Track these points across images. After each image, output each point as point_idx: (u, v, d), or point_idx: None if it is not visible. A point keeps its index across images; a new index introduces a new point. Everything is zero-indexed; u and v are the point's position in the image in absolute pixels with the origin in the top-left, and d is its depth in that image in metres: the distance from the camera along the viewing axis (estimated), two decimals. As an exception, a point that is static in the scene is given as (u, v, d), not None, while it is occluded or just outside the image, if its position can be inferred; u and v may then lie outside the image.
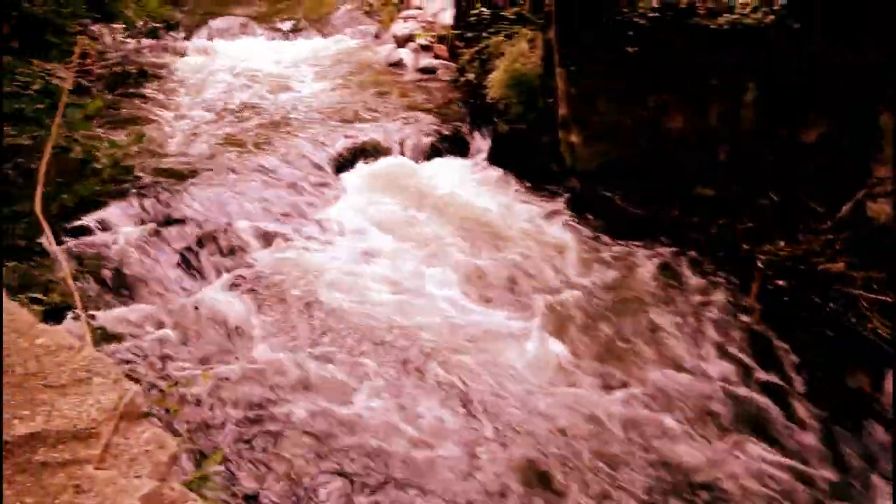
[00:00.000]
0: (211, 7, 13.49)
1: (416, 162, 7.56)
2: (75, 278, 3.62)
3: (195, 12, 13.19)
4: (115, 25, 10.01)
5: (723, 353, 4.69)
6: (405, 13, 11.47)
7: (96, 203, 5.82)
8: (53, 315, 3.11)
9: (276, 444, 3.73)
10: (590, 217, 6.35)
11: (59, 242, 4.96)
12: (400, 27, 10.93)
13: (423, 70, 9.92)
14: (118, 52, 10.40)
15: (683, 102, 6.09)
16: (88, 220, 5.63)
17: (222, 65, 10.64)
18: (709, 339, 4.81)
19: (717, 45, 5.75)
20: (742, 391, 4.36)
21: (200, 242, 5.64)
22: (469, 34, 8.79)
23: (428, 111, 8.42)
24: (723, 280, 5.38)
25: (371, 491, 3.53)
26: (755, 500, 3.64)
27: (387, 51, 10.82)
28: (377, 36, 11.98)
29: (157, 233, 5.63)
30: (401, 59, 10.31)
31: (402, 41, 10.66)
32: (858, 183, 5.02)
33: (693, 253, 5.70)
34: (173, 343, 4.48)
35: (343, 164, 7.36)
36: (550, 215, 6.42)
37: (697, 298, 5.23)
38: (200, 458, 3.41)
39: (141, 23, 9.73)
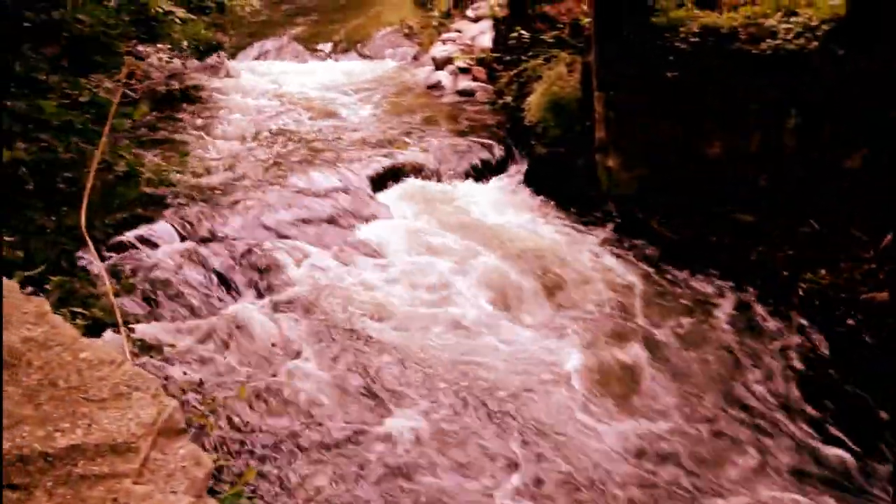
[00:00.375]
0: (254, 29, 13.72)
1: (453, 183, 7.58)
2: (116, 293, 3.68)
3: (239, 34, 13.42)
4: (160, 45, 10.21)
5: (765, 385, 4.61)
6: (445, 36, 11.55)
7: (138, 219, 5.92)
8: (95, 329, 3.16)
9: (309, 463, 3.74)
10: (626, 241, 6.31)
11: (102, 257, 5.05)
12: (439, 50, 11.01)
13: (462, 92, 9.97)
14: (163, 72, 10.61)
15: (723, 128, 6.04)
16: (130, 235, 5.73)
17: (264, 85, 10.79)
18: (754, 370, 4.73)
19: (758, 70, 5.70)
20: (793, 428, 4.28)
21: (238, 260, 5.70)
22: (508, 57, 8.83)
23: (465, 133, 8.45)
24: (761, 308, 5.29)
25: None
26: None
27: (425, 73, 10.90)
28: (416, 58, 12.07)
29: (196, 250, 5.71)
30: (439, 82, 10.37)
31: (441, 64, 10.72)
32: (903, 211, 4.93)
33: (731, 280, 5.62)
34: (210, 359, 4.53)
35: (380, 184, 7.41)
36: (586, 238, 6.39)
37: (734, 328, 5.14)
38: (234, 474, 3.43)
39: (185, 43, 9.92)
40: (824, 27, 5.46)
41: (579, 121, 7.00)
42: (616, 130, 6.53)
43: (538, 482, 3.76)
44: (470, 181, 7.65)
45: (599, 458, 3.94)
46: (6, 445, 1.49)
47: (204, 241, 5.92)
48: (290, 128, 8.82)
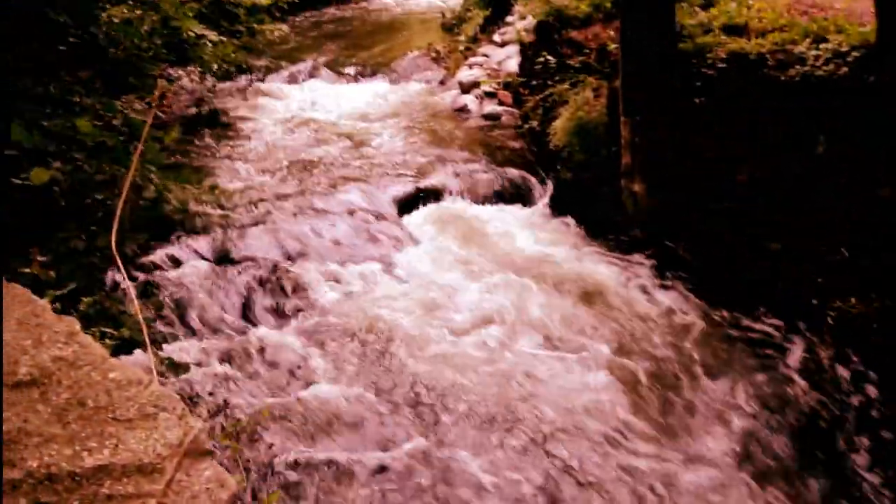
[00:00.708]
0: (284, 52, 13.89)
1: (479, 207, 7.59)
2: (143, 314, 3.72)
3: (268, 57, 13.60)
4: (190, 68, 10.38)
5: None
6: (471, 60, 11.61)
7: (166, 239, 5.99)
8: (123, 349, 3.20)
9: (332, 488, 3.73)
10: (652, 267, 6.26)
11: (130, 277, 5.11)
12: (465, 74, 11.07)
13: (488, 116, 10.01)
14: (193, 94, 10.78)
15: (751, 154, 6.00)
16: (158, 255, 5.80)
17: (292, 108, 10.91)
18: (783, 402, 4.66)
19: (786, 96, 5.67)
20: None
21: (263, 281, 5.74)
22: (534, 82, 8.85)
23: (491, 157, 8.47)
24: (790, 336, 5.22)
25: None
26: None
27: (452, 97, 10.96)
28: (443, 82, 12.14)
29: (222, 270, 5.76)
30: (465, 105, 10.42)
31: (467, 87, 10.78)
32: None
33: (759, 307, 5.56)
34: (236, 379, 4.55)
35: (406, 207, 7.45)
36: (611, 264, 6.35)
37: (761, 358, 5.08)
38: (258, 497, 3.43)
39: (215, 66, 10.07)
40: (854, 54, 5.43)
41: (605, 146, 6.99)
42: (642, 156, 6.51)
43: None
44: (495, 205, 7.66)
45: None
46: (34, 464, 1.50)
47: (230, 261, 5.97)
48: (316, 150, 8.89)
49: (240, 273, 5.77)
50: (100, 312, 3.49)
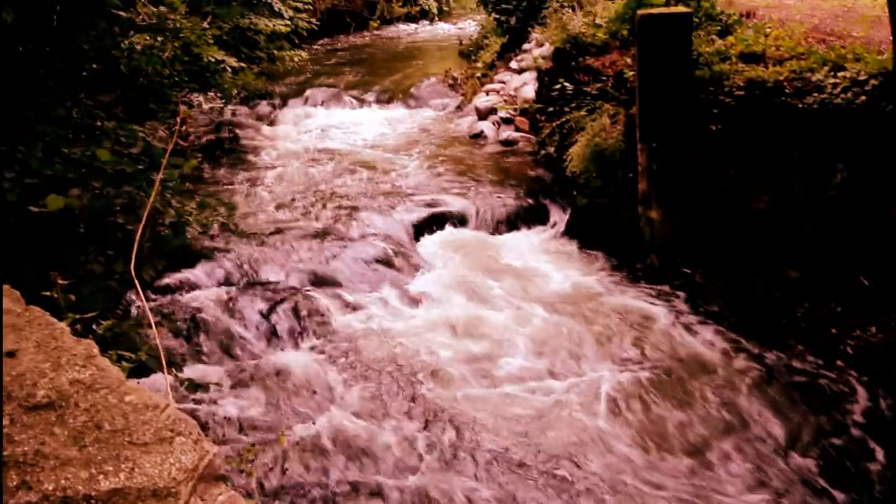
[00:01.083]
0: (303, 78, 14.05)
1: (495, 232, 7.60)
2: (161, 337, 3.74)
3: (288, 83, 13.75)
4: (211, 94, 10.50)
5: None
6: (488, 87, 11.68)
7: (184, 263, 6.03)
8: (140, 372, 3.21)
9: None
10: (669, 294, 6.22)
11: (148, 300, 5.14)
12: (482, 100, 11.12)
13: (504, 142, 10.04)
14: (213, 119, 10.90)
15: (768, 181, 5.99)
16: (176, 279, 5.84)
17: (310, 133, 11.01)
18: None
19: (804, 124, 5.66)
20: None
21: (280, 305, 5.76)
22: (551, 108, 8.87)
23: (507, 183, 8.49)
24: (809, 366, 5.16)
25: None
26: None
27: (468, 123, 11.01)
28: (459, 108, 12.21)
29: (239, 294, 5.78)
30: (482, 131, 10.46)
31: (483, 113, 10.83)
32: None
33: (778, 335, 5.50)
34: (252, 404, 4.55)
35: (423, 232, 7.47)
36: (628, 290, 6.32)
37: (779, 388, 5.01)
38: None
39: (235, 92, 10.18)
40: (873, 82, 5.42)
41: (622, 172, 6.99)
42: (659, 182, 6.51)
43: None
44: (511, 231, 7.66)
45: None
46: (50, 486, 1.51)
47: (247, 285, 6.00)
48: (333, 175, 8.95)
49: (256, 297, 5.79)
50: (117, 336, 3.51)
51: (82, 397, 1.74)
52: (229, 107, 11.56)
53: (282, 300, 5.80)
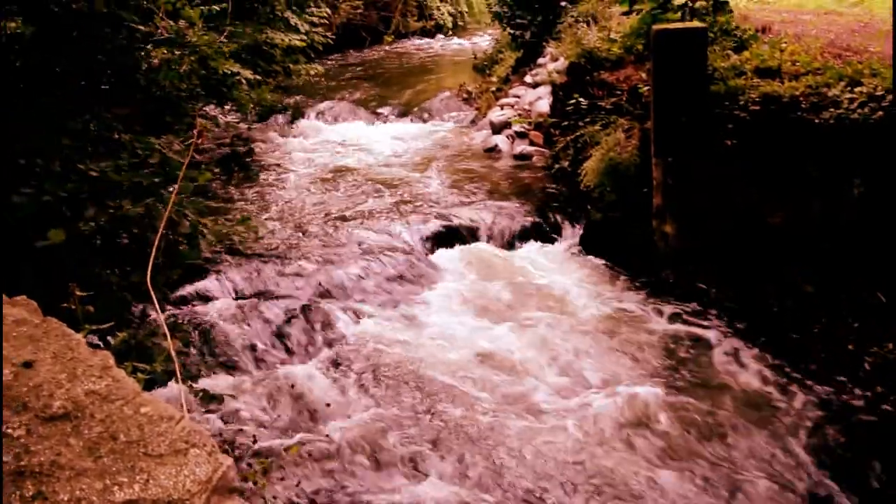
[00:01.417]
0: (318, 92, 14.14)
1: (508, 246, 7.60)
2: (175, 348, 3.75)
3: (304, 96, 13.85)
4: (227, 107, 10.58)
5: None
6: (503, 101, 11.70)
7: (198, 275, 6.06)
8: (155, 383, 3.22)
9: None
10: (683, 308, 6.19)
11: (162, 311, 5.16)
12: (497, 114, 11.15)
13: (518, 156, 10.05)
14: (229, 132, 10.98)
15: (784, 196, 5.96)
16: (190, 290, 5.87)
17: (325, 146, 11.07)
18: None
19: (820, 139, 5.63)
20: None
21: (294, 317, 5.77)
22: (565, 123, 8.88)
23: (521, 196, 8.49)
24: (828, 383, 5.11)
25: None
26: None
27: (482, 137, 11.03)
28: (474, 122, 12.25)
29: (253, 306, 5.80)
30: (496, 145, 10.48)
31: (498, 128, 10.85)
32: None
33: (794, 351, 5.45)
34: (265, 416, 4.56)
35: (437, 245, 7.47)
36: (642, 305, 6.29)
37: (798, 404, 4.97)
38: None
39: (252, 106, 10.24)
40: (889, 97, 5.39)
41: (636, 186, 6.98)
42: (674, 197, 6.49)
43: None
44: (525, 244, 7.66)
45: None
46: (65, 497, 1.51)
47: (261, 297, 6.01)
48: (348, 188, 8.99)
49: (270, 309, 5.81)
50: (133, 346, 3.52)
51: (98, 408, 1.74)
52: (246, 121, 11.66)
53: (295, 312, 5.81)
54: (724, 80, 6.40)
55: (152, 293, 2.65)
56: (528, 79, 11.82)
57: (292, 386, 4.91)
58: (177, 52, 5.95)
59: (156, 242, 2.85)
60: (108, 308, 3.48)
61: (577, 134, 8.34)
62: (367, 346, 5.51)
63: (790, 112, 5.85)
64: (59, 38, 5.06)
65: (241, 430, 4.36)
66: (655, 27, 6.46)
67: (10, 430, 1.63)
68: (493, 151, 10.43)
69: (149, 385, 3.14)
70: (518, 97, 11.50)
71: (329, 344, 5.55)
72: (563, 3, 11.22)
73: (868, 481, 4.26)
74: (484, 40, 18.59)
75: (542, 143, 10.11)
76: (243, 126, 11.76)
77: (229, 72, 7.34)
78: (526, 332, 5.79)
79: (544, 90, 10.77)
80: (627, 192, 7.14)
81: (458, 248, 7.49)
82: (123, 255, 4.60)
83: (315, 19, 12.00)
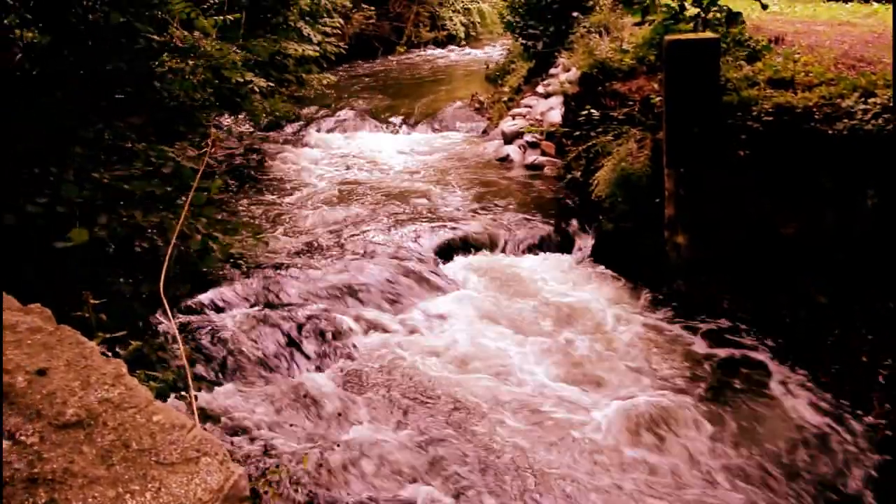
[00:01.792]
0: (331, 102, 14.20)
1: (520, 256, 7.59)
2: (187, 357, 3.76)
3: (316, 106, 13.91)
4: (240, 116, 10.65)
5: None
6: (515, 111, 11.72)
7: (209, 284, 6.08)
8: (166, 392, 3.23)
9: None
10: (695, 319, 6.16)
11: (175, 319, 5.18)
12: (508, 124, 11.16)
13: (530, 166, 10.06)
14: (241, 141, 11.04)
15: (797, 206, 5.93)
16: (201, 299, 5.89)
17: (336, 155, 11.10)
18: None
19: (834, 150, 5.61)
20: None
21: (305, 326, 5.78)
22: (577, 133, 8.88)
23: (533, 207, 8.50)
24: (842, 397, 5.07)
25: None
26: None
27: (494, 146, 11.05)
28: (486, 132, 12.27)
29: (264, 315, 5.81)
30: (508, 155, 10.49)
31: (509, 137, 10.86)
32: None
33: (807, 362, 5.41)
34: (275, 424, 4.56)
35: (447, 255, 7.47)
36: (653, 315, 6.27)
37: (812, 419, 4.92)
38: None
39: (264, 115, 10.31)
40: (904, 108, 5.36)
41: (648, 197, 6.96)
42: (686, 207, 6.47)
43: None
44: (536, 254, 7.65)
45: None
46: (78, 505, 1.51)
47: (272, 307, 6.03)
48: (359, 198, 9.01)
49: (281, 318, 5.82)
50: (145, 355, 3.54)
51: (111, 416, 1.75)
52: (258, 130, 11.72)
53: (307, 321, 5.82)
54: (736, 90, 6.39)
55: (165, 302, 2.67)
56: (540, 89, 11.84)
57: (304, 395, 4.91)
58: (191, 62, 6.01)
59: (168, 253, 2.86)
60: (120, 316, 3.50)
61: (589, 144, 8.34)
62: (378, 356, 5.51)
63: (803, 123, 5.83)
64: (76, 47, 5.11)
65: (253, 438, 4.36)
66: (668, 38, 6.45)
67: (23, 438, 1.64)
68: (504, 161, 10.44)
69: (162, 394, 3.16)
70: (530, 107, 11.51)
71: (340, 354, 5.55)
72: (575, 14, 11.23)
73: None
74: (496, 51, 18.64)
75: (553, 154, 10.11)
76: (256, 135, 11.82)
77: (242, 80, 7.39)
78: (538, 343, 5.77)
79: (556, 100, 10.78)
80: (639, 202, 7.12)
81: (469, 257, 7.49)
82: (136, 265, 4.63)
83: (328, 29, 12.07)
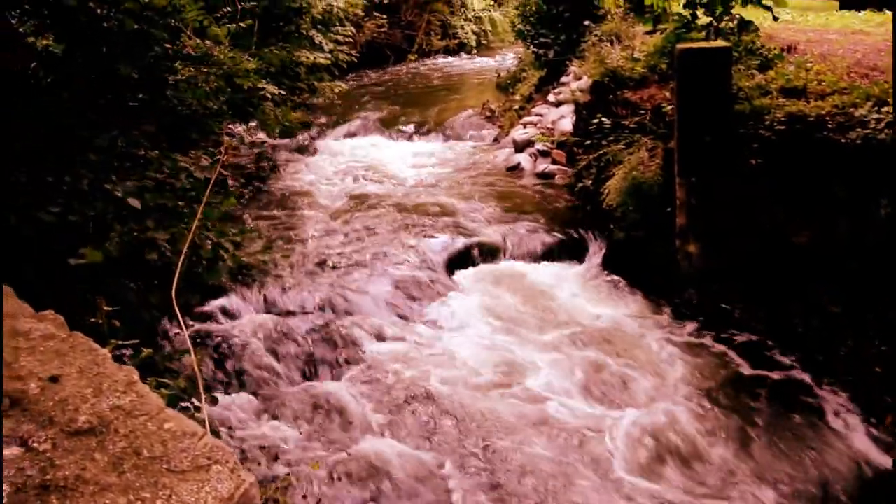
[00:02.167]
0: (342, 110, 14.24)
1: (530, 264, 7.57)
2: (199, 364, 3.77)
3: (327, 114, 13.95)
4: (251, 124, 10.69)
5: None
6: (525, 119, 11.71)
7: (220, 292, 6.10)
8: (178, 399, 3.24)
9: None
10: (706, 329, 6.13)
11: (185, 328, 5.20)
12: (519, 133, 11.15)
13: (541, 175, 10.04)
14: (253, 150, 11.07)
15: (809, 216, 5.91)
16: (213, 307, 5.90)
17: (348, 164, 11.12)
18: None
19: (846, 159, 5.59)
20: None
21: (316, 335, 5.79)
22: (588, 141, 8.87)
23: (543, 215, 8.48)
24: (855, 408, 5.02)
25: None
26: None
27: (505, 155, 11.04)
28: (496, 140, 12.26)
29: (275, 323, 5.83)
30: (519, 164, 10.48)
31: (520, 146, 10.85)
32: None
33: (821, 375, 5.37)
34: (286, 432, 4.56)
35: (458, 264, 7.46)
36: (664, 325, 6.25)
37: (823, 428, 4.88)
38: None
39: (276, 126, 10.34)
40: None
41: (659, 206, 6.94)
42: (698, 216, 6.45)
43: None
44: (547, 263, 7.63)
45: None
46: (89, 512, 1.52)
47: (283, 314, 6.04)
48: (370, 206, 9.01)
49: (293, 325, 5.83)
50: (157, 362, 3.55)
51: (122, 423, 1.76)
52: (270, 139, 11.75)
53: (317, 330, 5.83)
54: (748, 99, 6.38)
55: (177, 310, 2.67)
56: (551, 97, 11.83)
57: (315, 404, 4.92)
58: (203, 70, 6.04)
59: (180, 262, 2.87)
60: (132, 324, 3.51)
61: (600, 153, 8.33)
62: (389, 365, 5.51)
63: (816, 132, 5.81)
64: (90, 54, 5.15)
65: (264, 446, 4.37)
66: (679, 46, 6.45)
67: (36, 445, 1.65)
68: (515, 170, 10.43)
69: (173, 402, 3.16)
70: (541, 116, 11.50)
71: (350, 361, 5.55)
72: (586, 23, 11.23)
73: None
74: (507, 59, 18.65)
75: (564, 162, 10.09)
76: (267, 143, 11.85)
77: (254, 86, 7.42)
78: (550, 352, 5.75)
79: (567, 109, 10.76)
80: (650, 211, 7.11)
81: (481, 266, 7.49)
82: (147, 274, 4.65)
83: (340, 38, 12.12)
